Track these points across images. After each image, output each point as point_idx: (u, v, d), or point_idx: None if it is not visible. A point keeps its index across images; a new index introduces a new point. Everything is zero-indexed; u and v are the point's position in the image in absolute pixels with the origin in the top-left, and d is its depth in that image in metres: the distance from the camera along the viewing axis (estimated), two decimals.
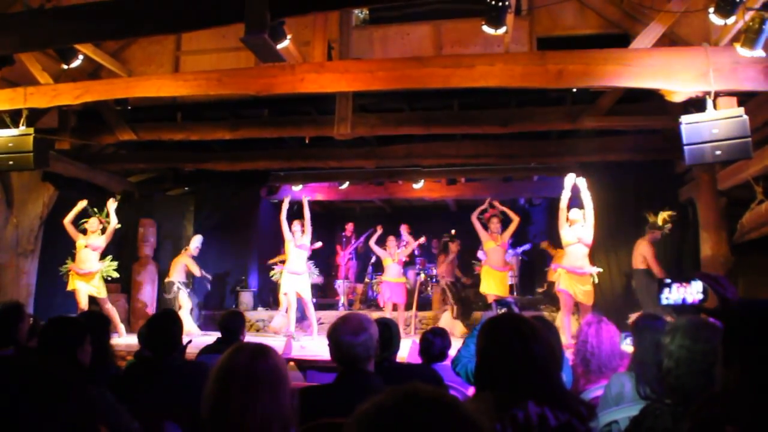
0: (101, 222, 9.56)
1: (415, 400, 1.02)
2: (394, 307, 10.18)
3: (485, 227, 9.97)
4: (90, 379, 2.72)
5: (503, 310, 4.76)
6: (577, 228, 8.30)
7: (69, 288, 9.36)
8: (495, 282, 9.75)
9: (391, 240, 10.40)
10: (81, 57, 7.15)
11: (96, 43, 7.58)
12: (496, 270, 9.83)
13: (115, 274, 9.95)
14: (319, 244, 11.21)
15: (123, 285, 11.11)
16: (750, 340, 1.45)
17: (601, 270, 8.46)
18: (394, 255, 10.29)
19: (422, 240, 11.99)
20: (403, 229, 12.96)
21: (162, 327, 3.50)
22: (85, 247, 9.35)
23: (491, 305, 5.22)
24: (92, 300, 9.42)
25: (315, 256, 14.91)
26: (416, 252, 11.95)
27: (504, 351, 2.01)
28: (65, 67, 7.13)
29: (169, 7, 6.05)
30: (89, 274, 9.31)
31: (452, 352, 4.33)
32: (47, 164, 8.12)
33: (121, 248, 10.80)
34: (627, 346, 4.22)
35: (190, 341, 3.91)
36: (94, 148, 10.50)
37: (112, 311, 9.43)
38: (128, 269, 11.17)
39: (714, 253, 8.08)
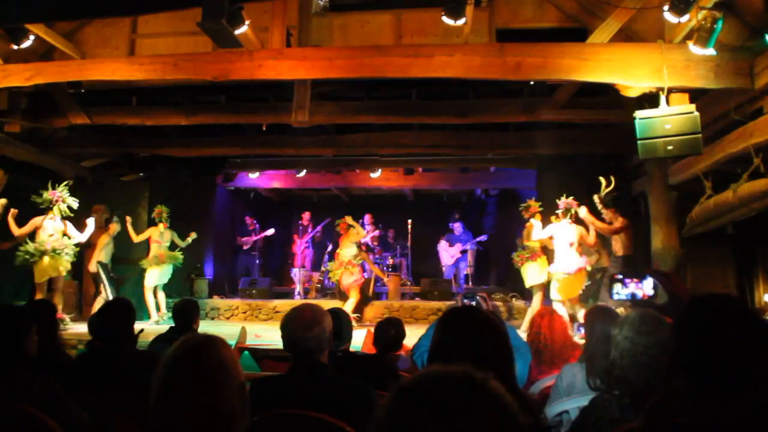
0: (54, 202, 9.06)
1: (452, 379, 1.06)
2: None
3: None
4: (35, 370, 2.66)
5: (473, 303, 4.80)
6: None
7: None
8: None
9: None
10: (32, 37, 6.96)
11: (48, 23, 7.38)
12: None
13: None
14: (270, 231, 11.01)
15: (75, 272, 10.83)
16: (698, 335, 1.49)
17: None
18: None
19: (376, 233, 12.02)
20: (367, 219, 13.00)
21: (113, 316, 3.43)
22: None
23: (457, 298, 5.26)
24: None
25: (271, 245, 14.92)
26: (369, 242, 11.95)
27: (457, 342, 1.98)
28: (15, 47, 6.93)
29: None
30: None
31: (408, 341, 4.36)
32: None
33: None
34: (579, 339, 4.30)
35: (141, 330, 3.85)
36: (45, 132, 10.23)
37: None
38: (80, 256, 10.90)
39: (665, 246, 8.23)
